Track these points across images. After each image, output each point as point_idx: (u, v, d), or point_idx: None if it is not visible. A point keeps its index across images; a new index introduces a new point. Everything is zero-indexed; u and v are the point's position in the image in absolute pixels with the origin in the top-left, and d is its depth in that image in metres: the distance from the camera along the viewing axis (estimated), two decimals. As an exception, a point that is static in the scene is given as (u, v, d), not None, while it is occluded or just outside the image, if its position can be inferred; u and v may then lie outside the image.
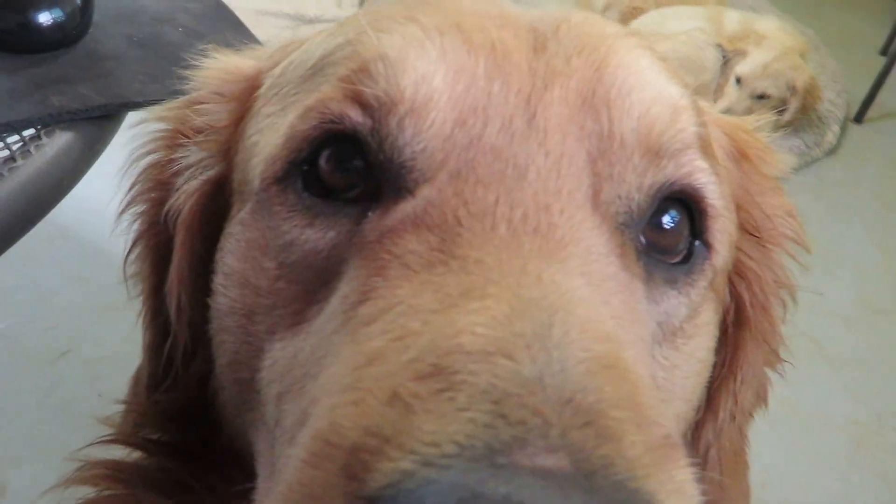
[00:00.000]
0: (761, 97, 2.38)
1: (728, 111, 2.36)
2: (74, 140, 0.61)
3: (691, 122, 0.42)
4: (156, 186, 0.48)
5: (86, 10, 0.70)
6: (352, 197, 0.40)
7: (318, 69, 0.43)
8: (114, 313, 1.40)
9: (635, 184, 0.40)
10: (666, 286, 0.41)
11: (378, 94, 0.39)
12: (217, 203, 0.46)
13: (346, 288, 0.37)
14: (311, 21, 2.79)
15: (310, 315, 0.39)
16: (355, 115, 0.39)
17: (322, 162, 0.40)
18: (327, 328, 0.37)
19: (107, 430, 0.52)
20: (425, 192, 0.37)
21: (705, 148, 0.43)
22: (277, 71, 0.47)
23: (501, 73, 0.40)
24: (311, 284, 0.39)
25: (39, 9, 0.67)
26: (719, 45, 2.51)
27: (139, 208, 0.49)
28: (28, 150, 0.59)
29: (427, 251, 0.35)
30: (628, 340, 0.35)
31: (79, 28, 0.70)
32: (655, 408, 0.31)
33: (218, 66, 0.50)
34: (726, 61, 2.47)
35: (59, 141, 0.61)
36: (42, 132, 0.61)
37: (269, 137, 0.43)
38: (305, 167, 0.40)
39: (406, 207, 0.37)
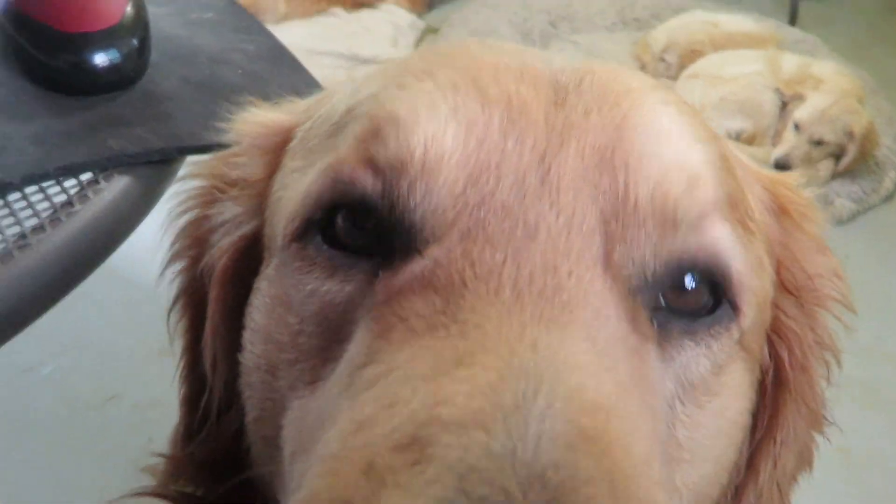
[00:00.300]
0: (819, 143, 2.34)
1: (787, 156, 2.32)
2: (132, 184, 0.61)
3: (713, 187, 0.41)
4: (193, 244, 0.49)
5: (143, 51, 0.70)
6: (369, 253, 0.39)
7: (340, 126, 0.43)
8: (163, 357, 1.40)
9: (650, 251, 0.38)
10: (684, 338, 0.40)
11: (388, 157, 0.39)
12: (251, 258, 0.46)
13: (354, 349, 0.37)
14: (366, 61, 2.81)
15: (325, 373, 0.39)
16: (366, 179, 0.39)
17: (338, 221, 0.40)
18: (333, 390, 0.37)
19: (149, 479, 0.53)
20: (434, 253, 0.37)
21: (734, 207, 0.42)
22: (307, 125, 0.47)
23: (516, 128, 0.39)
24: (327, 340, 0.39)
25: (95, 50, 0.66)
26: (777, 90, 2.47)
27: (178, 265, 0.50)
28: (86, 195, 0.58)
29: (431, 314, 0.35)
30: (628, 410, 0.34)
31: (136, 69, 0.69)
32: (644, 483, 0.30)
33: (253, 120, 0.50)
34: (784, 105, 2.44)
35: (118, 185, 0.60)
36: (100, 176, 0.60)
37: (292, 193, 0.43)
38: (324, 225, 0.40)
39: (415, 268, 0.37)
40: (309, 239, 0.41)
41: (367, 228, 0.39)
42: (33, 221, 0.56)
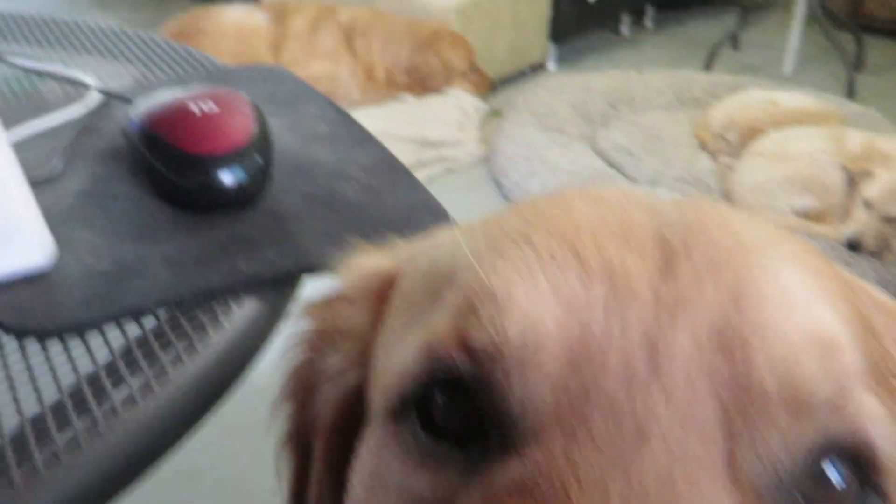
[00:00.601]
0: (891, 220, 2.27)
1: (859, 235, 2.25)
2: (262, 307, 0.59)
3: (850, 353, 0.34)
4: (301, 388, 0.46)
5: (267, 168, 0.69)
6: (465, 440, 0.35)
7: (437, 288, 0.39)
8: (247, 435, 1.38)
9: (780, 444, 0.32)
10: None
11: (483, 341, 0.34)
12: (357, 410, 0.43)
13: None
14: (433, 144, 2.84)
15: None
16: (461, 361, 0.35)
17: (436, 398, 0.36)
18: None
19: None
20: (534, 455, 0.32)
21: (877, 369, 0.36)
22: (409, 277, 0.43)
23: (621, 306, 0.34)
24: None
25: (223, 170, 0.66)
26: (844, 167, 2.42)
27: (286, 408, 0.47)
28: (219, 320, 0.57)
29: None
30: None
31: (260, 187, 0.69)
32: None
33: (358, 267, 0.47)
34: (851, 182, 2.38)
35: (248, 309, 0.58)
36: (231, 300, 0.59)
37: (391, 360, 0.39)
38: (419, 403, 0.36)
39: (513, 470, 0.32)
40: (404, 419, 0.37)
41: (464, 413, 0.35)
42: (172, 353, 0.54)
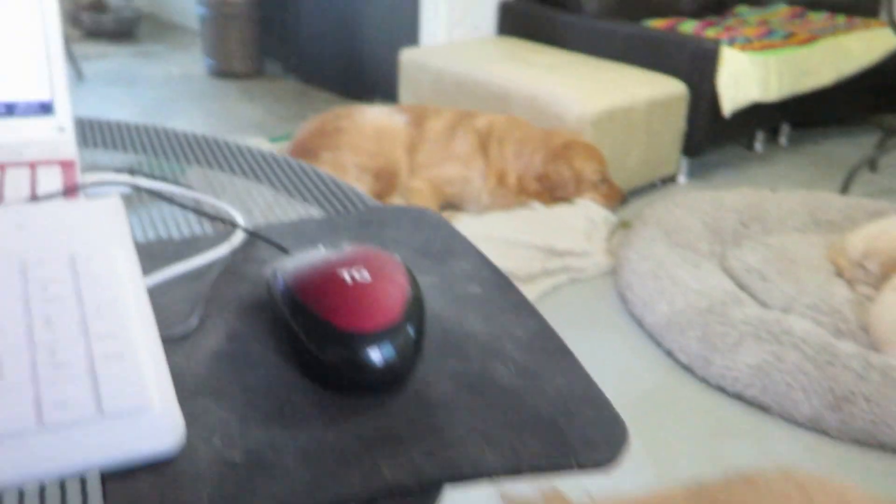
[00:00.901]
0: None
1: None
2: (403, 522, 0.50)
3: None
4: None
5: (418, 342, 0.61)
6: None
7: None
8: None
9: None
10: None
11: None
12: None
13: None
14: (560, 253, 2.74)
15: None
16: None
17: None
18: None
19: None
20: None
21: None
22: None
23: None
24: None
25: (372, 346, 0.57)
26: None
27: None
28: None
29: None
30: None
31: (410, 365, 0.60)
32: None
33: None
34: None
35: (387, 525, 0.49)
36: (370, 512, 0.50)
37: None
38: None
39: None
40: None
41: None
42: (300, 582, 0.45)
